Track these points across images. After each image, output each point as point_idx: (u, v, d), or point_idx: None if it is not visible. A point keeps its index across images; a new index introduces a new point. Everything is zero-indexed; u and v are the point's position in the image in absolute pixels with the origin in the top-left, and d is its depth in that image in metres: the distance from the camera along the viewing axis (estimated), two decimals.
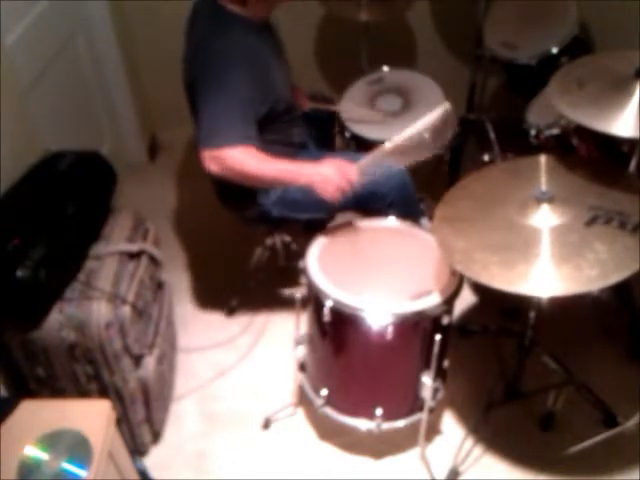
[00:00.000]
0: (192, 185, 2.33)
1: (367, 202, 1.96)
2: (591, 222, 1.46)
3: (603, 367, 2.00)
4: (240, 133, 1.72)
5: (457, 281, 1.61)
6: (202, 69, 1.72)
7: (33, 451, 1.28)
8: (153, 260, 1.89)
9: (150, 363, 1.78)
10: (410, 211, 1.94)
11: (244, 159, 1.71)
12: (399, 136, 1.70)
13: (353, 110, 2.31)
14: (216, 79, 1.70)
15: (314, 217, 1.99)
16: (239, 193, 1.95)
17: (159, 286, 1.96)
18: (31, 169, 1.77)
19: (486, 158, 2.44)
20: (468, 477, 1.78)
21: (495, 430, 1.85)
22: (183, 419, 1.99)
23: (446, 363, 1.76)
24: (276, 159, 1.75)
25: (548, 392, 1.86)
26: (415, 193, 2.10)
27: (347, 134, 2.26)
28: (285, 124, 1.94)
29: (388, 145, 1.70)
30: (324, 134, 2.29)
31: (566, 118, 1.79)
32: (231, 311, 2.33)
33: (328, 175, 1.72)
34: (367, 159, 1.75)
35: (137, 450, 1.85)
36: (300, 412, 1.98)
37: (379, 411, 1.69)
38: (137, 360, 1.73)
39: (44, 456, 1.27)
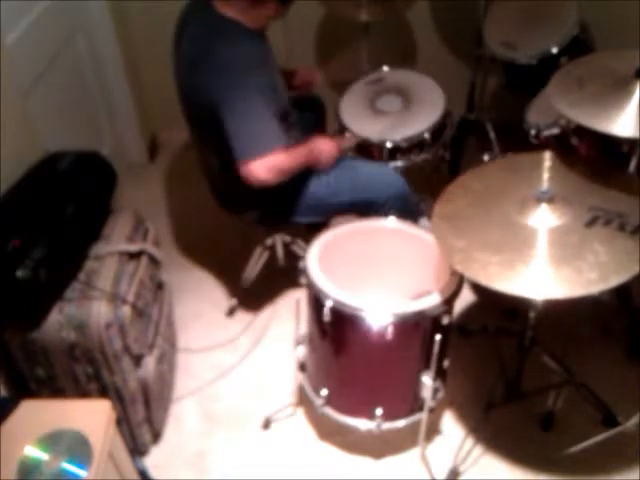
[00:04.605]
0: (192, 185, 2.33)
1: (363, 209, 1.98)
2: (591, 223, 1.46)
3: (603, 367, 2.00)
4: (278, 134, 1.74)
5: (457, 281, 1.60)
6: (220, 83, 1.69)
7: (33, 451, 1.28)
8: (153, 260, 1.89)
9: (150, 363, 1.78)
10: (409, 217, 1.94)
11: (287, 158, 1.75)
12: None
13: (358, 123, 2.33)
14: (240, 89, 1.68)
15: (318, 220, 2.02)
16: (240, 198, 1.96)
17: (159, 286, 1.96)
18: (31, 169, 1.77)
19: (486, 158, 2.44)
20: (468, 477, 1.78)
21: (495, 430, 1.86)
22: (183, 419, 1.99)
23: (446, 363, 1.76)
24: (296, 148, 1.81)
25: (548, 392, 1.86)
26: (414, 200, 2.10)
27: (347, 134, 2.26)
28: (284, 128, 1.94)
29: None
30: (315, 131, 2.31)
31: (566, 118, 1.79)
32: (231, 311, 2.33)
33: (325, 143, 1.91)
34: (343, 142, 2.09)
35: (137, 450, 1.85)
36: (300, 412, 1.98)
37: (379, 411, 1.69)
38: (137, 360, 1.73)
39: (44, 456, 1.27)
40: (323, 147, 1.91)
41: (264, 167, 1.71)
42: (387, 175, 2.06)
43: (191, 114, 1.90)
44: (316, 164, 1.91)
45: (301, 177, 1.92)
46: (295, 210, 2.00)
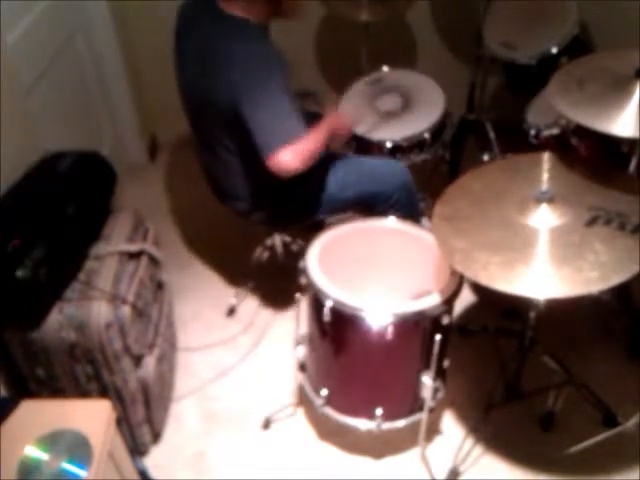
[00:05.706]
0: (192, 185, 2.33)
1: (371, 202, 1.98)
2: (591, 223, 1.46)
3: (603, 367, 2.00)
4: (299, 122, 1.73)
5: (457, 281, 1.60)
6: (241, 82, 1.69)
7: (33, 451, 1.28)
8: (153, 260, 1.89)
9: (150, 363, 1.78)
10: (412, 211, 1.95)
11: (310, 140, 1.75)
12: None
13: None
14: (261, 86, 1.68)
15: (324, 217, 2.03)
16: (250, 198, 1.96)
17: (159, 286, 1.96)
18: (31, 169, 1.77)
19: (486, 158, 2.45)
20: (468, 477, 1.78)
21: (495, 430, 1.85)
22: (183, 419, 1.99)
23: (446, 363, 1.76)
24: (312, 129, 1.80)
25: (548, 392, 1.86)
26: (417, 193, 2.11)
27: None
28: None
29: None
30: None
31: (566, 118, 1.79)
32: (231, 311, 2.33)
33: (336, 117, 1.96)
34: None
35: (137, 450, 1.85)
36: (300, 412, 1.98)
37: (379, 411, 1.69)
38: (137, 360, 1.73)
39: (44, 456, 1.27)
40: (336, 121, 1.93)
41: (293, 154, 1.69)
42: (391, 166, 2.08)
43: (200, 115, 1.88)
44: (335, 138, 1.93)
45: (309, 176, 1.91)
46: (305, 208, 2.00)
